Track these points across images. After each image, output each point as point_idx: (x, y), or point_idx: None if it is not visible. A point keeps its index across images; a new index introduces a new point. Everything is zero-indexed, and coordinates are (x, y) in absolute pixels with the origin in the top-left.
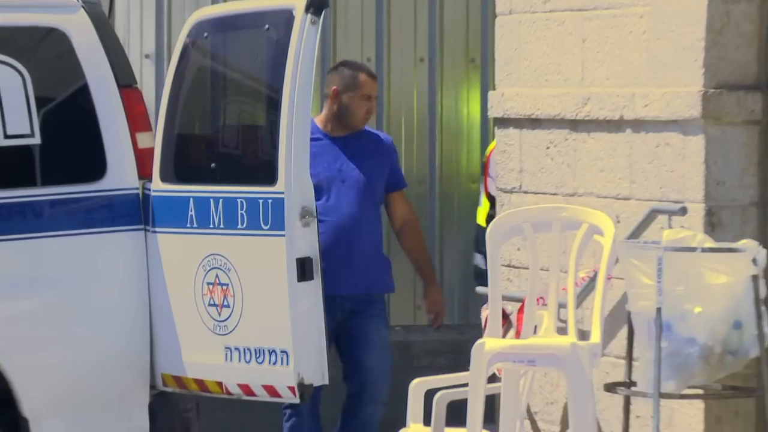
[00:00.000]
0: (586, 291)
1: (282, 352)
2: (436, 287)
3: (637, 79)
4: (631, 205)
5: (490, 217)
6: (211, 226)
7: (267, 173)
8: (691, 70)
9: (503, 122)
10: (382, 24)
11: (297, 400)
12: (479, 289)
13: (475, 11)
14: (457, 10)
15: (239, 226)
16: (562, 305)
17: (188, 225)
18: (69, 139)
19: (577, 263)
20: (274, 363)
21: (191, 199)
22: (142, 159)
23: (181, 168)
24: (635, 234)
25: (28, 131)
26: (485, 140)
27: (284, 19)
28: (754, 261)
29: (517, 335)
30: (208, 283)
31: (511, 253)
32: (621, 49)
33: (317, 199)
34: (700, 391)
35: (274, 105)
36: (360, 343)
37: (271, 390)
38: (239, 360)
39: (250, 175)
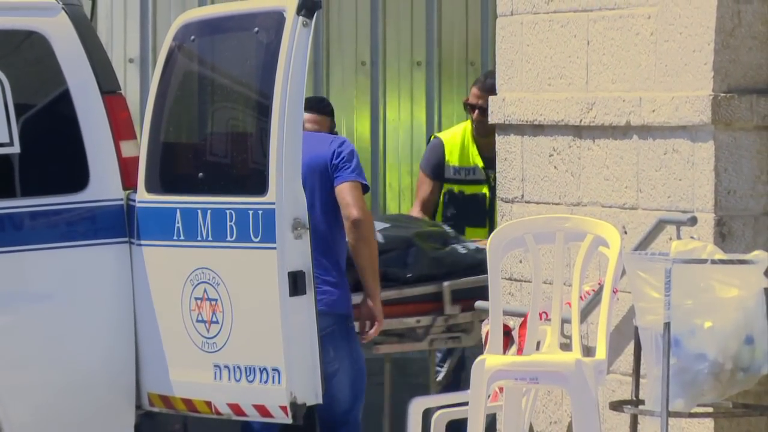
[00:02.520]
0: (591, 305)
1: (273, 370)
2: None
3: (645, 83)
4: (638, 215)
5: None
6: (199, 238)
7: (257, 183)
8: (700, 74)
9: (504, 128)
10: (377, 26)
11: (289, 421)
12: (479, 303)
13: (475, 12)
14: (455, 11)
15: (228, 239)
16: (565, 320)
17: (175, 237)
18: (50, 148)
19: (582, 276)
20: (266, 381)
21: (178, 210)
22: (127, 168)
23: (167, 178)
24: (642, 245)
25: (6, 140)
26: None
27: (275, 21)
28: (767, 273)
29: (519, 352)
30: (196, 298)
31: (512, 266)
32: (627, 52)
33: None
34: (710, 410)
35: (264, 111)
36: None
37: (262, 410)
38: (229, 378)
39: (240, 184)
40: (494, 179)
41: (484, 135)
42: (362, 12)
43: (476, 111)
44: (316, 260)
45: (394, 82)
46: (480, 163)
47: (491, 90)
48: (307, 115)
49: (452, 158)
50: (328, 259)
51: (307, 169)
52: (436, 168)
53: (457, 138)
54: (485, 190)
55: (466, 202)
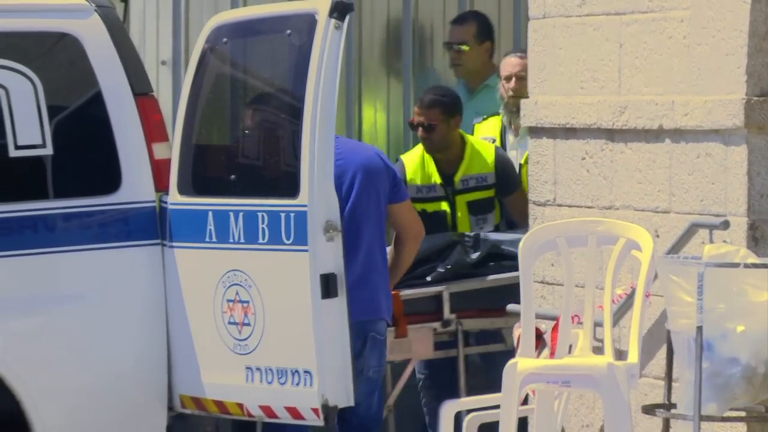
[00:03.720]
0: (623, 309)
1: (305, 372)
2: None
3: (677, 87)
4: (670, 218)
5: None
6: (231, 240)
7: (289, 185)
8: (733, 77)
9: (537, 131)
10: (408, 29)
11: (321, 423)
12: (511, 306)
13: (507, 15)
14: (488, 14)
15: (260, 241)
16: (598, 323)
17: (207, 239)
18: (82, 149)
19: (614, 280)
20: (297, 384)
21: (210, 212)
22: (159, 170)
23: (199, 180)
24: (675, 249)
25: (39, 141)
26: None
27: (307, 23)
28: None
29: (551, 355)
30: (228, 301)
31: (544, 269)
32: (660, 55)
33: None
34: (742, 414)
35: (296, 113)
36: None
37: (293, 412)
38: (261, 381)
39: (272, 187)
40: (453, 194)
41: (434, 152)
42: (393, 14)
43: (419, 129)
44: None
45: (422, 87)
46: (438, 180)
47: (430, 106)
48: None
49: (414, 177)
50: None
51: (360, 168)
52: None
53: (416, 157)
54: (445, 206)
55: (428, 220)
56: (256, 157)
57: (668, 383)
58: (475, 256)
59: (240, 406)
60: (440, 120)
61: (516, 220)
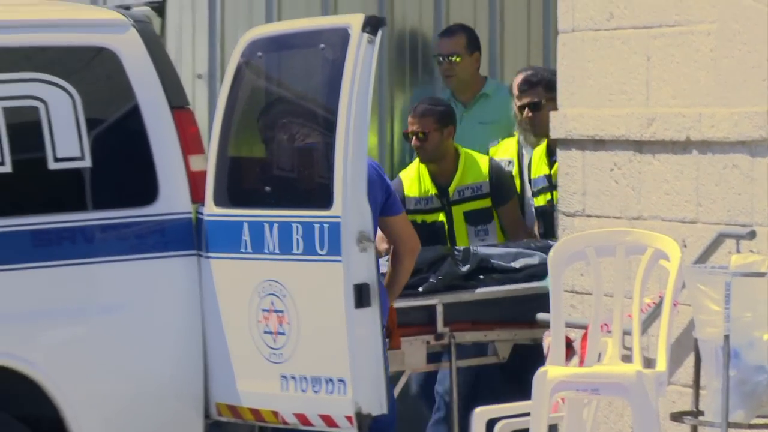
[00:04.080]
0: (651, 317)
1: (339, 380)
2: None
3: (704, 99)
4: (697, 228)
5: None
6: (266, 251)
7: (323, 197)
8: (759, 90)
9: (566, 143)
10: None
11: (355, 431)
12: (541, 315)
13: (537, 29)
14: (517, 27)
15: (295, 251)
16: (626, 332)
17: (242, 250)
18: (120, 162)
19: (642, 289)
20: (331, 392)
21: (245, 223)
22: (195, 182)
23: (234, 191)
24: (702, 259)
25: (78, 154)
26: None
27: (340, 37)
28: None
29: (581, 363)
30: (263, 310)
31: (574, 279)
32: (687, 68)
33: None
34: None
35: (329, 126)
36: None
37: (328, 420)
38: (295, 389)
39: (306, 198)
40: (449, 205)
41: (427, 161)
42: (425, 26)
43: (413, 138)
44: None
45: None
46: (434, 191)
47: (423, 115)
48: None
49: (411, 191)
50: None
51: None
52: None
53: (412, 171)
54: (442, 217)
55: (427, 231)
56: (291, 169)
57: (696, 391)
58: (465, 268)
59: (275, 413)
60: (433, 129)
61: (505, 231)
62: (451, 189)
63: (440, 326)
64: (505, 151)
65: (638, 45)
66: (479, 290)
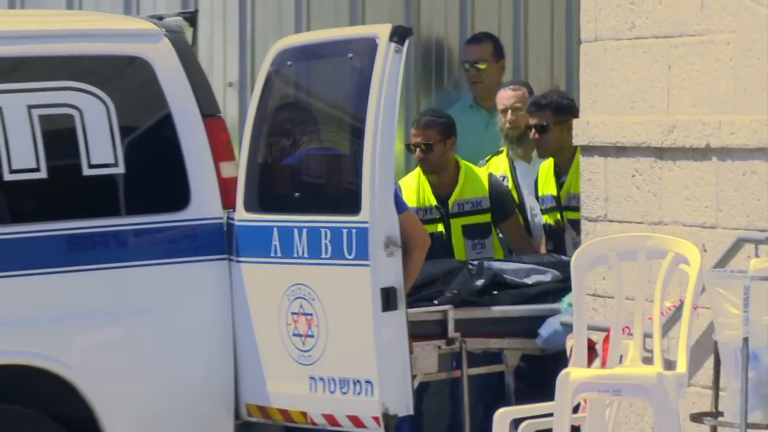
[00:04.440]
0: (672, 320)
1: (366, 382)
2: None
3: (724, 107)
4: (717, 233)
5: None
6: (295, 255)
7: (351, 202)
8: None
9: (588, 150)
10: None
11: (382, 431)
12: (564, 318)
13: (560, 38)
14: (541, 37)
15: (323, 256)
16: (647, 335)
17: (272, 254)
18: (153, 168)
19: (663, 292)
20: (359, 393)
21: (275, 228)
22: (226, 188)
23: (264, 197)
24: (721, 263)
25: (112, 161)
26: None
27: (368, 47)
28: None
29: (603, 365)
30: (293, 313)
31: (596, 283)
32: (707, 77)
33: None
34: None
35: (357, 134)
36: None
37: (355, 420)
38: (324, 390)
39: (334, 204)
40: (447, 217)
41: (430, 173)
42: (451, 37)
43: (417, 150)
44: None
45: None
46: (433, 202)
47: (427, 126)
48: None
49: (410, 200)
50: None
51: None
52: None
53: (412, 181)
54: (441, 227)
55: None
56: (319, 176)
57: (715, 392)
58: (479, 283)
59: (304, 414)
60: (437, 140)
61: (512, 248)
62: (450, 201)
63: (451, 331)
64: (497, 167)
65: (659, 54)
66: (494, 308)
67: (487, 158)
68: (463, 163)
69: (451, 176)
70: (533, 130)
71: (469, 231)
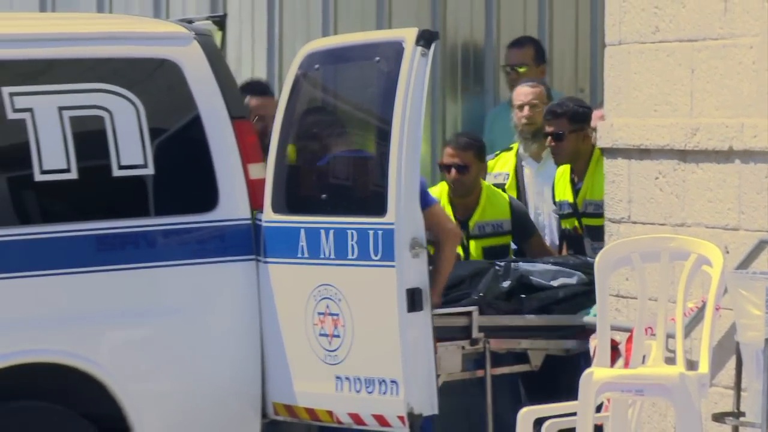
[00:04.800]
0: (694, 321)
1: (392, 381)
2: None
3: (747, 110)
4: (739, 235)
5: None
6: (322, 256)
7: (377, 204)
8: None
9: (612, 152)
10: (490, 55)
11: (407, 430)
12: (587, 318)
13: (584, 41)
14: (566, 40)
15: (350, 257)
16: (670, 335)
17: (299, 255)
18: (181, 169)
19: (686, 293)
20: (384, 392)
21: (302, 229)
22: (254, 190)
23: (292, 199)
24: (744, 265)
25: (141, 162)
26: None
27: (394, 51)
28: None
29: (626, 365)
30: (319, 313)
31: (619, 283)
32: (730, 80)
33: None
34: None
35: (383, 136)
36: None
37: (380, 419)
38: (350, 389)
39: (361, 206)
40: (467, 239)
41: (461, 195)
42: (477, 37)
43: (452, 170)
44: None
45: None
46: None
47: (466, 148)
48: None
49: None
50: None
51: None
52: None
53: None
54: (459, 249)
55: None
56: (346, 178)
57: (737, 392)
58: (506, 284)
59: (330, 413)
60: (473, 162)
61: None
62: (471, 223)
63: (475, 332)
64: (504, 164)
65: (683, 57)
66: (518, 317)
67: (496, 153)
68: (485, 184)
69: (474, 198)
70: (549, 137)
71: (488, 253)
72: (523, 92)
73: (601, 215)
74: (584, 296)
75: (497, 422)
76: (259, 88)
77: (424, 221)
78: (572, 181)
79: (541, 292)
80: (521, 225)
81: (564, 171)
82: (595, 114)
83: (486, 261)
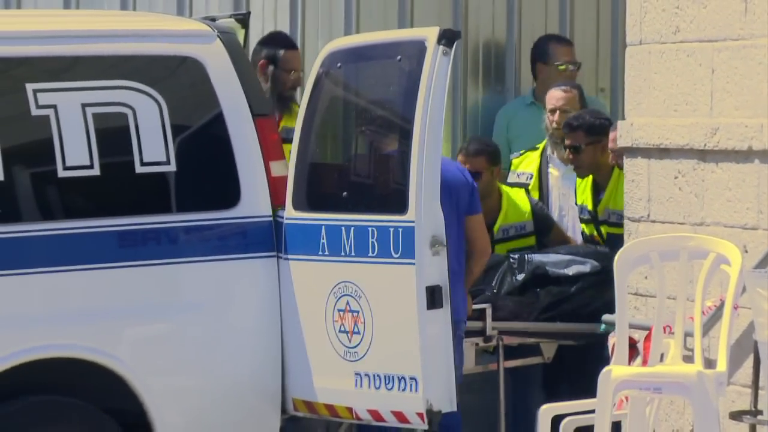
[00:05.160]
0: (712, 320)
1: (411, 378)
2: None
3: (766, 110)
4: (758, 235)
5: None
6: (343, 253)
7: (398, 202)
8: None
9: (632, 151)
10: (512, 53)
11: (425, 427)
12: (606, 317)
13: (605, 41)
14: (587, 40)
15: (370, 254)
16: (688, 334)
17: (320, 252)
18: (204, 166)
19: (704, 292)
20: (403, 389)
21: (323, 227)
22: (276, 187)
23: (313, 196)
24: (762, 264)
25: (164, 159)
26: None
27: (416, 50)
28: None
29: (644, 363)
30: (339, 310)
31: (638, 282)
32: (750, 80)
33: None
34: None
35: (405, 134)
36: None
37: (399, 416)
38: (369, 386)
39: (381, 203)
40: (492, 242)
41: None
42: (498, 38)
43: None
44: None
45: None
46: None
47: (476, 154)
48: None
49: None
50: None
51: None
52: None
53: None
54: None
55: None
56: (367, 175)
57: (755, 391)
58: (520, 277)
59: (349, 409)
60: (485, 168)
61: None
62: (495, 228)
63: (489, 329)
64: (529, 164)
65: (703, 58)
66: (532, 324)
67: (521, 152)
68: (504, 188)
69: (495, 203)
70: (567, 150)
71: None
72: (556, 96)
73: (622, 225)
74: (597, 287)
75: (527, 416)
76: (288, 42)
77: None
78: (594, 189)
79: (554, 287)
80: (542, 222)
81: (587, 178)
82: (611, 135)
83: (500, 254)
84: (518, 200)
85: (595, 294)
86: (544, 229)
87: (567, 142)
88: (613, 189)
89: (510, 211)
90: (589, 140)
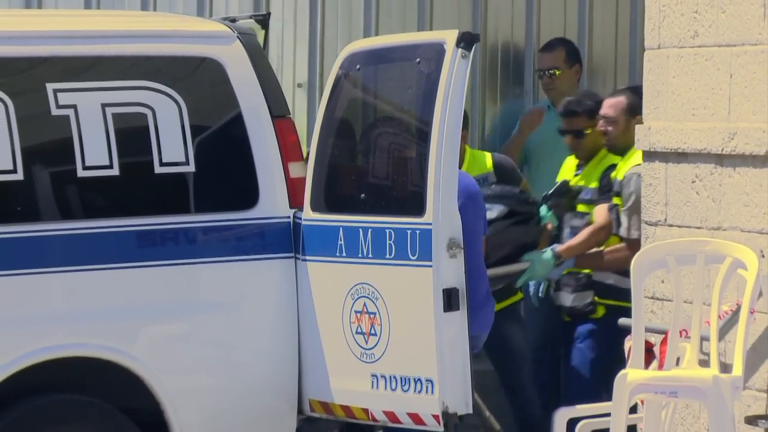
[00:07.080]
0: (728, 324)
1: (427, 380)
2: None
3: None
4: None
5: None
6: (360, 255)
7: (415, 204)
8: None
9: (650, 155)
10: (531, 56)
11: (441, 429)
12: (622, 320)
13: (623, 45)
14: (605, 43)
15: (387, 256)
16: (704, 338)
17: (337, 254)
18: (222, 167)
19: (721, 296)
20: (419, 391)
21: (341, 228)
22: (294, 188)
23: (331, 198)
24: None
25: (183, 159)
26: None
27: (435, 52)
28: None
29: (660, 367)
30: (356, 312)
31: (654, 286)
32: None
33: None
34: None
35: (423, 137)
36: None
37: (415, 418)
38: (385, 387)
39: (399, 206)
40: None
41: None
42: (517, 44)
43: None
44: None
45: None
46: None
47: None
48: None
49: None
50: None
51: (464, 191)
52: None
53: None
54: None
55: None
56: (385, 178)
57: None
58: None
59: (365, 411)
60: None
61: None
62: None
63: None
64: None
65: (721, 62)
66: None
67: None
68: (467, 148)
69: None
70: (569, 136)
71: None
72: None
73: (586, 202)
74: (503, 233)
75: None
76: None
77: None
78: (601, 178)
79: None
80: (505, 175)
81: (572, 161)
82: (605, 102)
83: None
84: (479, 155)
85: (502, 239)
86: (510, 181)
87: (568, 127)
88: (592, 167)
89: (471, 166)
90: (590, 124)
